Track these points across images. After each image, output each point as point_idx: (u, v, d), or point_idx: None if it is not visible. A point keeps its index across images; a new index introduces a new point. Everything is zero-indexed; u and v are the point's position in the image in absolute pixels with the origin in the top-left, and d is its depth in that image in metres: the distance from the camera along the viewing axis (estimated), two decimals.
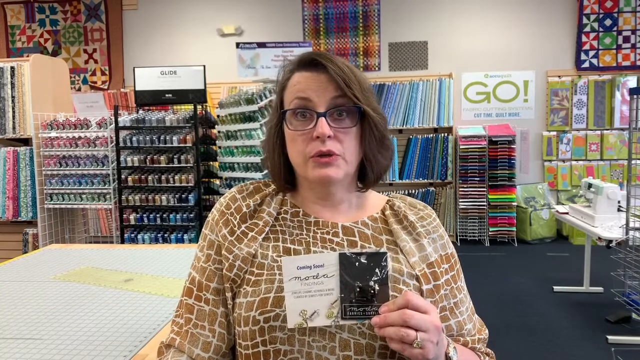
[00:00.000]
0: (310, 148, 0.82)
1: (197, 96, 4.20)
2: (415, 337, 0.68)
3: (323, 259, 0.73)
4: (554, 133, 5.93)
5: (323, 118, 0.82)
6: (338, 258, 0.72)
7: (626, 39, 5.82)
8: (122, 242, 4.17)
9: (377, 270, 0.72)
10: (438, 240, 0.89)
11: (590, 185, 3.65)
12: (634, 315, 3.28)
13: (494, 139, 5.60)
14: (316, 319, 0.72)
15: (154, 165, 4.10)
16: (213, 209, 0.93)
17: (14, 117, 4.20)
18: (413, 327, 0.69)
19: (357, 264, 0.72)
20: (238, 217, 0.89)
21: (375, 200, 0.95)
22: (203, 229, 0.93)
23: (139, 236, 4.15)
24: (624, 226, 3.18)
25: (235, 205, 0.90)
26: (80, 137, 4.21)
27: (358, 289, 0.71)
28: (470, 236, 5.76)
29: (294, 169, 0.89)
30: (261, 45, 4.17)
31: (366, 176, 0.89)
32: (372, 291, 0.71)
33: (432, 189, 5.91)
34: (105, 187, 4.21)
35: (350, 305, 0.72)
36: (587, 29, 5.86)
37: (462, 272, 0.92)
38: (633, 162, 3.29)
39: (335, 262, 0.72)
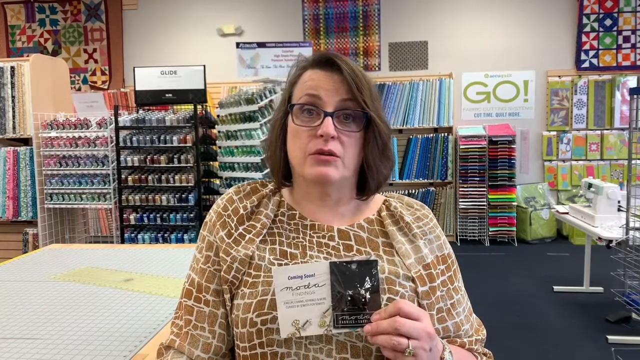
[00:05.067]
0: (312, 145, 0.82)
1: (197, 96, 4.19)
2: (407, 345, 0.68)
3: (314, 268, 0.73)
4: (554, 133, 5.93)
5: (330, 118, 0.82)
6: (329, 267, 0.72)
7: (626, 39, 5.82)
8: (122, 242, 4.17)
9: (367, 278, 0.72)
10: (434, 241, 0.89)
11: (590, 185, 3.64)
12: (634, 315, 3.28)
13: (494, 139, 5.60)
14: (309, 329, 0.72)
15: (154, 165, 4.10)
16: (210, 211, 0.93)
17: (14, 117, 4.20)
18: (404, 334, 0.69)
19: (347, 272, 0.72)
20: (235, 219, 0.89)
21: (373, 200, 0.95)
22: (201, 231, 0.93)
23: (139, 236, 4.15)
24: (624, 226, 3.18)
25: (232, 207, 0.90)
26: (80, 137, 4.21)
27: (349, 298, 0.71)
28: (470, 236, 5.76)
29: (292, 167, 0.89)
30: (261, 45, 4.18)
31: (366, 185, 0.89)
32: (364, 299, 0.71)
33: (432, 189, 5.91)
34: (105, 187, 4.21)
35: (342, 314, 0.72)
36: (587, 28, 5.85)
37: (459, 272, 0.92)
38: (633, 162, 3.29)
39: (326, 271, 0.72)
